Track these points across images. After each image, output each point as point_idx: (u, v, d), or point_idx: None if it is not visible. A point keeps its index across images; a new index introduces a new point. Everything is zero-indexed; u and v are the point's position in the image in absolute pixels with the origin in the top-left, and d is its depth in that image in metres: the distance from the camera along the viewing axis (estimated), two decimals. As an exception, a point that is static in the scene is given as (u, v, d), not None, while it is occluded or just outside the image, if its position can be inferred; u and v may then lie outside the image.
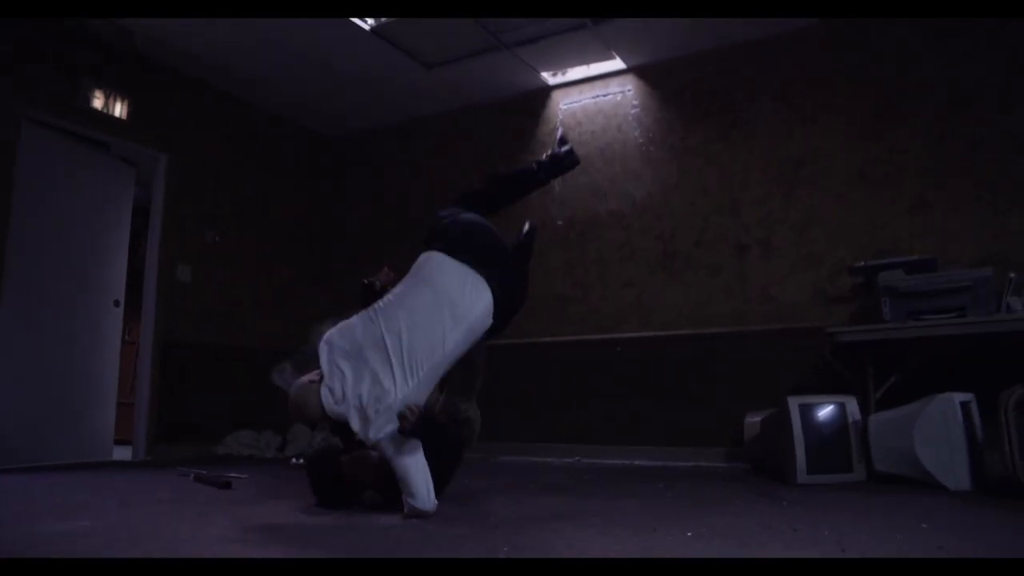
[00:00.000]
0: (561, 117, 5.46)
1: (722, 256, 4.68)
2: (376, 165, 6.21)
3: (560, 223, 5.32)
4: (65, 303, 4.41)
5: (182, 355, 4.86)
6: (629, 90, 5.22)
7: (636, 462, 4.54)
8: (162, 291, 4.78)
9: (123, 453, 4.73)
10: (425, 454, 2.26)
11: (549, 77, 5.39)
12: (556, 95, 5.52)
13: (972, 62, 4.11)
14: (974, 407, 3.05)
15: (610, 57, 5.06)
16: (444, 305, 2.24)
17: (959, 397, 2.99)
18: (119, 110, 4.64)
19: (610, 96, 5.29)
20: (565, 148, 2.74)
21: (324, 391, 2.22)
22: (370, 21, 4.57)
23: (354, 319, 2.34)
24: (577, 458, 4.74)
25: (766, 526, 2.10)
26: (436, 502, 2.21)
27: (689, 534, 1.97)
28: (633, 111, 5.17)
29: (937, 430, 2.94)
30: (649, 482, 3.40)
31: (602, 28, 4.65)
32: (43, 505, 2.64)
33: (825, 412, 3.31)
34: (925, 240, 4.01)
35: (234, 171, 5.49)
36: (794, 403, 3.27)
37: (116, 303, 4.79)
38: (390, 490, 2.33)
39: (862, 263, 3.82)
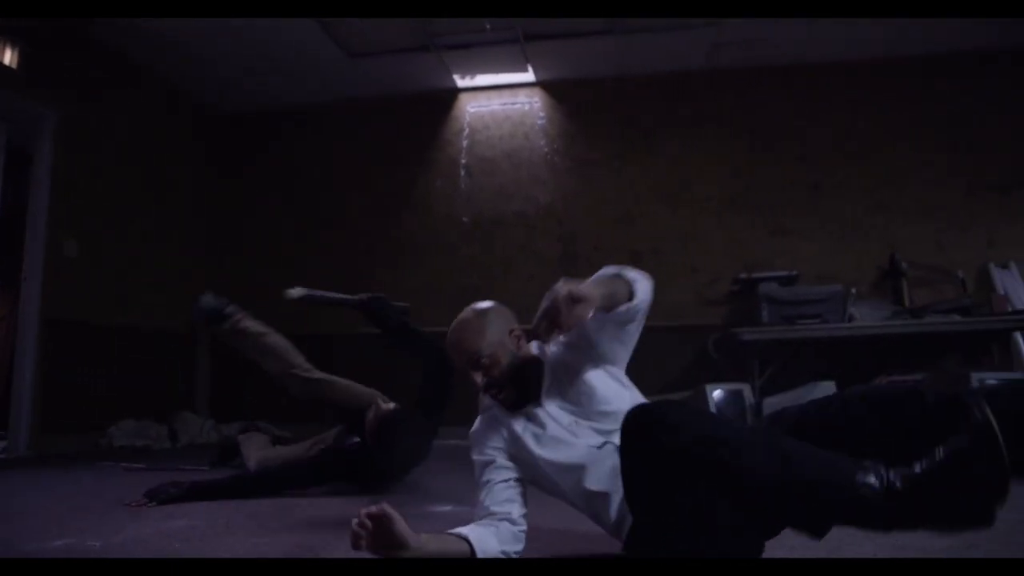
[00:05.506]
0: (469, 119, 5.77)
1: (617, 260, 5.32)
2: (278, 146, 5.98)
3: (466, 220, 5.63)
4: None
5: (68, 335, 4.39)
6: (536, 102, 5.68)
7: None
8: (48, 265, 4.28)
9: (-15, 447, 4.17)
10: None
11: (459, 79, 5.66)
12: (464, 97, 5.80)
13: (816, 122, 5.20)
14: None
15: (524, 70, 5.48)
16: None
17: (830, 385, 3.92)
18: (8, 57, 4.06)
19: (518, 105, 5.71)
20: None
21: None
22: None
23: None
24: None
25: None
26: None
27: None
28: (540, 122, 5.65)
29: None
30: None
31: (529, 44, 5.06)
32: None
33: (729, 396, 4.10)
34: (783, 259, 5.01)
35: (131, 142, 5.02)
36: (709, 389, 4.02)
37: (-18, 276, 4.20)
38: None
39: (744, 275, 4.70)
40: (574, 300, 1.30)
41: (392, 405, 2.56)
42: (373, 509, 1.29)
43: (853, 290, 4.52)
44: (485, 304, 1.70)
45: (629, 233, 5.37)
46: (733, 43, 5.00)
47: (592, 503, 1.52)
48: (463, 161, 5.72)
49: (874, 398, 1.26)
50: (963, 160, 4.96)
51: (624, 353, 1.63)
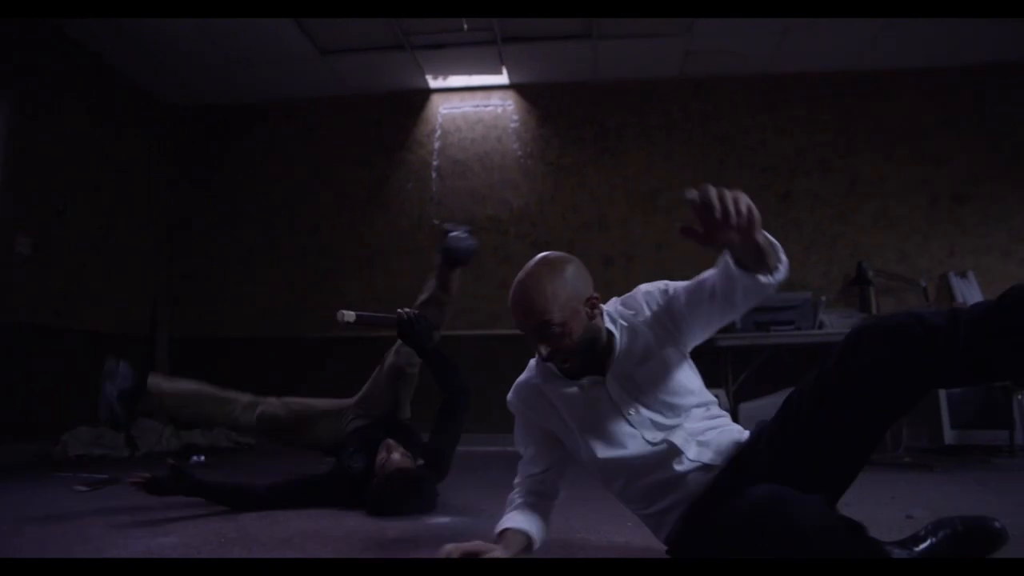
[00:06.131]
0: (441, 120, 5.69)
1: (590, 266, 5.29)
2: (243, 144, 5.79)
3: (437, 222, 5.54)
4: None
5: (18, 337, 4.14)
6: (510, 105, 5.65)
7: (508, 448, 5.00)
8: (-1, 263, 4.04)
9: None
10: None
11: (431, 80, 5.58)
12: (436, 98, 5.73)
13: (785, 132, 5.31)
14: (808, 397, 4.08)
15: (499, 72, 5.43)
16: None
17: (805, 390, 3.99)
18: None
19: (491, 108, 5.66)
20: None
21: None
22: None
23: None
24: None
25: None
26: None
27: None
28: (513, 125, 5.61)
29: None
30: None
31: (505, 46, 5.01)
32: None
33: (706, 402, 4.14)
34: (753, 266, 5.08)
35: (89, 137, 4.80)
36: (686, 395, 4.04)
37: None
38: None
39: (718, 282, 4.75)
40: (750, 220, 1.12)
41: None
42: (469, 548, 1.43)
43: (823, 297, 4.61)
44: (560, 257, 1.49)
45: (603, 239, 5.37)
46: (706, 52, 5.07)
47: (634, 496, 1.50)
48: (435, 163, 5.64)
49: (881, 328, 1.25)
50: (925, 171, 5.12)
51: (701, 340, 1.53)
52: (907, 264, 5.00)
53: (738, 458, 1.40)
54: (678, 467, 1.41)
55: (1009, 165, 5.05)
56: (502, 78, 5.52)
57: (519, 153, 5.57)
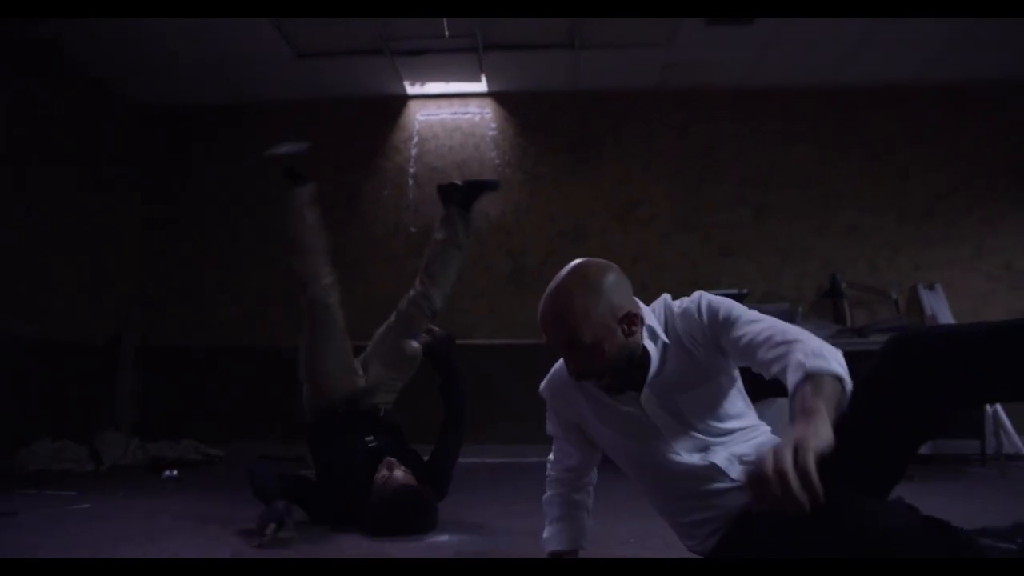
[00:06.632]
0: (418, 127, 5.62)
1: (568, 275, 5.32)
2: (214, 146, 5.63)
3: (414, 230, 5.47)
4: None
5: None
6: (488, 113, 5.61)
7: (486, 460, 4.92)
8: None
9: None
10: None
11: (408, 86, 5.51)
12: (413, 104, 5.66)
13: (760, 146, 5.39)
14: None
15: (478, 80, 5.39)
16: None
17: (785, 402, 4.03)
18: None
19: (469, 115, 5.62)
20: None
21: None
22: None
23: None
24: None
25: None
26: None
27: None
28: (491, 133, 5.57)
29: (777, 422, 3.92)
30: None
31: (485, 54, 4.98)
32: None
33: (687, 412, 4.14)
34: (728, 279, 5.13)
35: (51, 133, 4.61)
36: (669, 405, 4.04)
37: None
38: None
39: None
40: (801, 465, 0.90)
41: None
42: None
43: (800, 308, 4.68)
44: (597, 266, 1.33)
45: (579, 249, 5.34)
46: (684, 64, 5.11)
47: (664, 504, 1.47)
48: (411, 170, 5.56)
49: (900, 337, 1.24)
50: (895, 187, 5.25)
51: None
52: (877, 277, 5.11)
53: None
54: (718, 485, 1.35)
55: (975, 183, 5.21)
56: (481, 86, 5.49)
57: (497, 162, 5.54)
